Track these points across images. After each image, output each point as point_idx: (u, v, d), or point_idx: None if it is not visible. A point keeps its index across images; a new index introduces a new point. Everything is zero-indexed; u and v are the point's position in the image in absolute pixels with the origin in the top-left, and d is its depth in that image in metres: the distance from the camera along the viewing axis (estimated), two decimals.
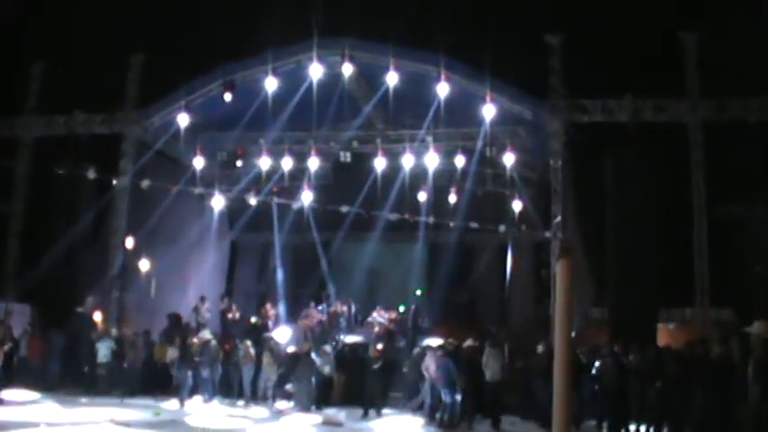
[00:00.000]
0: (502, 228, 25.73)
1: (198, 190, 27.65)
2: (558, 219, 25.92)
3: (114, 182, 27.28)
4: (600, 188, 26.05)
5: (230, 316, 30.14)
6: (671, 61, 26.62)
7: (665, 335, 25.35)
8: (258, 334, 27.85)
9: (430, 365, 21.19)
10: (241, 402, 24.30)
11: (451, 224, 27.06)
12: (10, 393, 23.39)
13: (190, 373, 24.18)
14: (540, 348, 22.02)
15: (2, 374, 23.92)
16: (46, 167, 27.07)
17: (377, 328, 28.94)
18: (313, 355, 23.86)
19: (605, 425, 20.23)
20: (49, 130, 30.51)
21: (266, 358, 24.53)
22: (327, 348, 25.14)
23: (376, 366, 23.09)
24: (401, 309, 30.65)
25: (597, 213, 26.20)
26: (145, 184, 23.20)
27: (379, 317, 29.53)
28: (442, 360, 20.58)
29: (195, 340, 24.98)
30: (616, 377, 19.97)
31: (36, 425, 17.44)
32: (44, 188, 29.06)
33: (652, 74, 26.59)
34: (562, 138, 26.97)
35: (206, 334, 25.79)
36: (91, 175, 23.82)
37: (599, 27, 27.43)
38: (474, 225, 25.07)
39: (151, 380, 25.61)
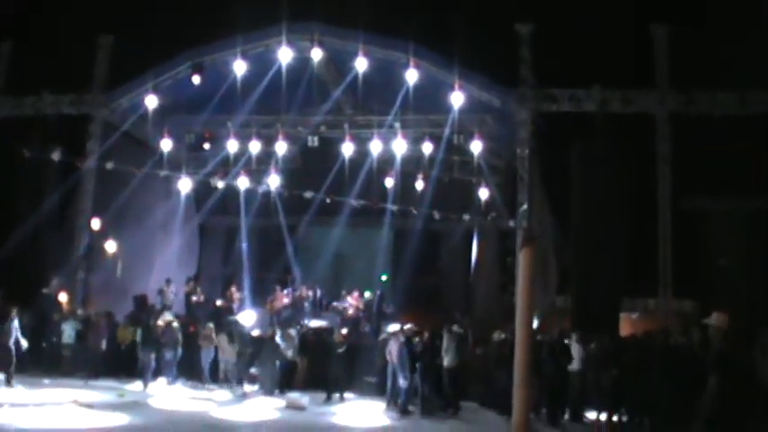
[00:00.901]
0: (467, 216, 25.80)
1: (165, 172, 27.54)
2: (524, 207, 26.07)
3: (81, 164, 27.28)
4: (566, 177, 26.16)
5: (195, 298, 30.21)
6: (641, 53, 26.80)
7: (627, 324, 25.66)
8: (222, 317, 28.02)
9: (393, 350, 21.35)
10: (208, 385, 24.31)
11: (416, 211, 27.04)
12: None
13: (153, 356, 24.07)
14: (497, 335, 22.19)
15: None
16: (12, 148, 26.91)
17: (350, 311, 29.37)
18: (278, 339, 23.96)
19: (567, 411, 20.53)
20: (17, 110, 30.29)
21: (226, 341, 24.60)
22: (292, 332, 25.20)
23: (340, 351, 23.21)
24: (366, 294, 30.66)
25: (563, 202, 26.35)
26: (111, 165, 23.23)
27: (352, 300, 29.85)
28: (403, 346, 20.75)
29: (159, 322, 24.87)
30: (582, 362, 20.36)
31: None
32: (10, 169, 28.84)
33: (621, 65, 26.81)
34: (530, 126, 27.10)
35: (167, 316, 25.78)
36: (57, 156, 23.76)
37: (569, 17, 27.61)
38: (439, 214, 25.20)
39: (115, 362, 25.48)
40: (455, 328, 22.05)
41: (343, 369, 23.16)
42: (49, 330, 25.99)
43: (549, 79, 27.08)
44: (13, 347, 22.01)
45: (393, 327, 23.35)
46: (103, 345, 25.21)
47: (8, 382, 21.54)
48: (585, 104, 26.83)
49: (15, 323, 22.32)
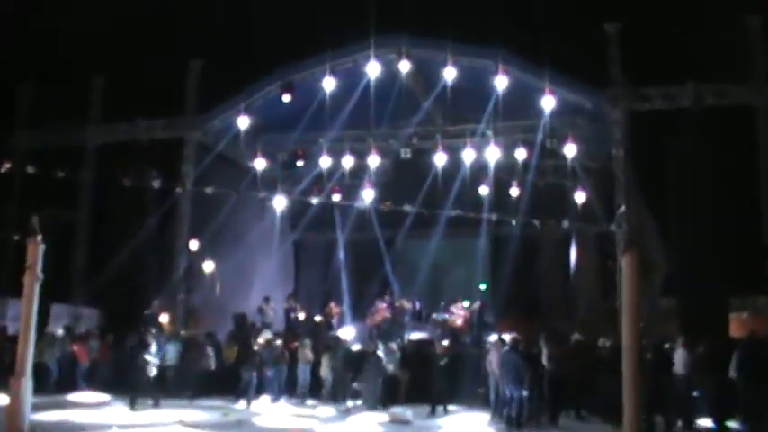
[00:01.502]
0: (566, 223, 25.42)
1: (260, 192, 27.71)
2: (623, 209, 25.51)
3: (177, 189, 27.64)
4: (663, 176, 25.65)
5: (293, 315, 30.27)
6: (734, 45, 26.12)
7: (737, 324, 24.86)
8: (322, 332, 28.06)
9: (493, 360, 21.03)
10: (310, 401, 24.26)
11: (514, 222, 26.73)
12: (80, 396, 23.70)
13: (254, 374, 24.13)
14: (602, 342, 21.77)
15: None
16: (110, 174, 27.29)
17: (459, 322, 29.00)
18: (379, 353, 23.79)
19: (679, 420, 19.96)
20: (112, 137, 30.99)
21: (326, 358, 24.57)
22: (393, 346, 25.04)
23: (442, 363, 22.93)
24: (465, 304, 30.37)
25: (662, 202, 25.83)
26: (208, 189, 23.35)
27: (459, 310, 29.46)
28: (506, 355, 20.32)
29: (260, 340, 24.98)
30: (689, 368, 19.79)
31: (108, 427, 17.57)
32: (109, 195, 29.37)
33: (714, 58, 26.12)
34: (623, 126, 26.66)
35: (268, 333, 25.85)
36: (154, 182, 24.07)
37: (657, 14, 27.10)
38: (536, 221, 24.87)
39: (219, 381, 25.60)
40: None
41: (446, 381, 22.87)
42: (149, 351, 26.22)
43: (641, 78, 26.63)
44: (148, 370, 22.47)
45: (496, 336, 23.02)
46: (211, 364, 25.33)
47: (132, 405, 21.80)
48: (679, 101, 26.26)
49: (152, 347, 22.79)
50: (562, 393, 21.14)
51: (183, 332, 26.93)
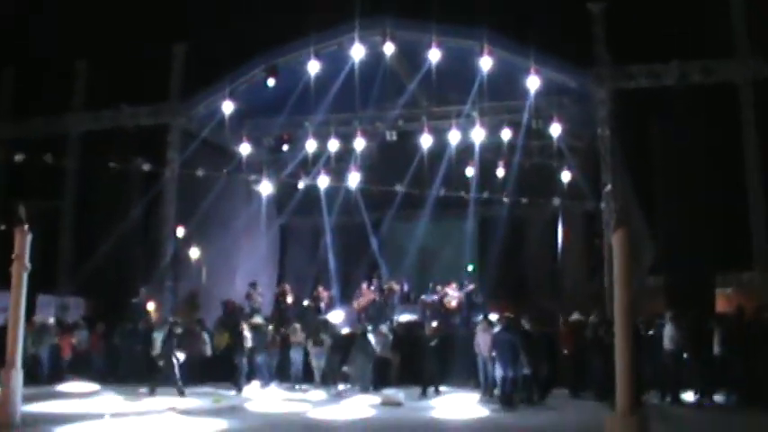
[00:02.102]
0: (556, 201, 25.44)
1: (245, 176, 27.60)
2: (609, 187, 25.52)
3: (163, 173, 27.51)
4: (649, 154, 25.70)
5: (285, 300, 30.33)
6: (717, 23, 26.09)
7: (722, 300, 24.98)
8: (311, 317, 28.08)
9: (480, 342, 21.06)
10: (300, 386, 24.27)
11: (504, 199, 26.71)
12: (70, 386, 23.60)
13: (245, 360, 24.11)
14: (591, 318, 21.82)
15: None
16: (94, 162, 27.15)
17: (453, 303, 29.05)
18: (369, 335, 23.79)
19: (667, 395, 20.09)
20: (96, 124, 30.82)
21: (316, 341, 24.62)
22: (383, 328, 25.04)
23: (432, 344, 22.95)
24: (447, 288, 30.37)
25: (647, 180, 25.84)
26: (196, 172, 23.30)
27: (452, 291, 29.48)
28: (499, 335, 20.30)
29: (247, 326, 24.81)
30: (678, 343, 19.87)
31: (100, 416, 17.47)
32: (93, 182, 29.28)
33: (698, 36, 26.10)
34: (608, 105, 26.55)
35: (257, 319, 25.80)
36: (139, 167, 23.92)
37: None
38: (523, 200, 24.86)
39: (210, 368, 25.55)
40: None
41: (437, 362, 22.88)
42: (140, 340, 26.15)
43: (625, 56, 26.53)
44: (163, 358, 22.76)
45: (493, 316, 23.07)
46: (207, 350, 25.27)
47: (152, 392, 22.10)
48: (664, 79, 26.20)
49: (160, 334, 23.10)
50: (555, 372, 21.29)
51: (171, 319, 26.68)
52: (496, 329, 20.65)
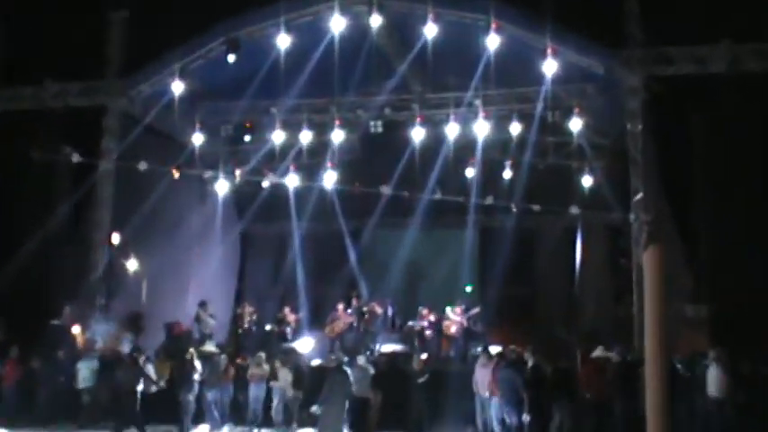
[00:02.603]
0: (574, 210, 25.32)
1: (199, 172, 27.46)
2: (640, 195, 25.36)
3: (97, 165, 27.38)
4: (690, 156, 25.52)
5: (243, 323, 30.26)
6: None
7: None
8: (274, 344, 28.19)
9: (479, 379, 20.94)
10: (259, 430, 24.21)
11: (512, 206, 26.52)
12: None
13: (191, 396, 23.88)
14: (615, 354, 21.62)
15: None
16: (12, 150, 26.83)
17: (453, 330, 29.14)
18: (346, 369, 23.45)
19: None
20: (14, 104, 30.29)
21: (284, 373, 24.30)
22: (362, 361, 24.71)
23: (421, 381, 22.82)
24: (449, 310, 30.24)
25: (687, 186, 25.70)
26: (134, 167, 22.93)
27: (454, 315, 29.35)
28: (503, 372, 20.15)
29: (195, 354, 24.69)
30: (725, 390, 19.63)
31: None
32: (10, 175, 28.91)
33: (753, 13, 25.94)
34: (642, 95, 26.28)
35: (209, 346, 25.59)
36: (68, 157, 23.58)
37: None
38: (534, 209, 24.69)
39: (148, 404, 25.19)
40: None
41: (426, 403, 22.69)
42: (61, 371, 25.82)
43: (664, 36, 26.33)
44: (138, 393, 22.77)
45: (494, 348, 22.97)
46: (150, 386, 24.83)
47: None
48: (710, 64, 25.92)
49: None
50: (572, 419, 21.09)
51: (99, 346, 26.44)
52: (500, 365, 20.48)
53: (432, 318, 29.76)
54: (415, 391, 22.84)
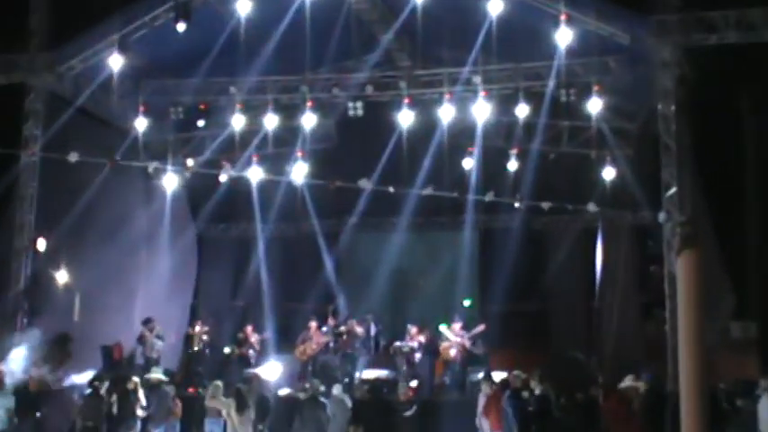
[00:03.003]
0: (592, 208, 25.02)
1: (142, 165, 27.08)
2: (674, 190, 25.01)
3: (23, 156, 27.35)
4: (736, 142, 25.13)
5: (194, 345, 30.11)
6: None
7: None
8: (234, 371, 28.47)
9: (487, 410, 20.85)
10: None
11: (517, 204, 26.26)
12: None
13: None
14: (640, 385, 21.18)
15: None
16: None
17: (453, 352, 28.90)
18: (322, 399, 23.16)
19: None
20: None
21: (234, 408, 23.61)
22: (337, 390, 24.38)
23: (408, 414, 22.37)
24: (443, 328, 29.99)
25: (733, 181, 25.30)
26: (64, 158, 22.40)
27: (452, 335, 29.17)
28: (509, 403, 19.85)
29: (139, 383, 24.29)
30: None
31: None
32: None
33: None
34: (675, 70, 25.93)
35: (156, 373, 25.10)
36: None
37: None
38: (546, 205, 24.33)
39: None
40: None
41: None
42: None
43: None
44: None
45: (499, 375, 22.71)
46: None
47: None
48: (762, 31, 25.32)
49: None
50: None
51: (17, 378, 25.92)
52: (502, 394, 20.22)
53: (422, 338, 29.55)
54: (402, 426, 22.39)
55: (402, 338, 30.14)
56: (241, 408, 23.50)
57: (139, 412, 23.65)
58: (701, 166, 26.45)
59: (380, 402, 24.56)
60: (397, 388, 24.90)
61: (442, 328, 29.27)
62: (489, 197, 24.94)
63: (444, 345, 29.05)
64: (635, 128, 30.54)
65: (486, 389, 22.15)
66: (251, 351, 29.95)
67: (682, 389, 13.12)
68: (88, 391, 23.17)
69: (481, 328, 29.18)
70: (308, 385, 24.95)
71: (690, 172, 26.06)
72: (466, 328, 29.30)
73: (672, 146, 25.75)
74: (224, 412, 23.39)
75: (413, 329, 29.75)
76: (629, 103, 29.86)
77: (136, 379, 24.55)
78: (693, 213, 24.82)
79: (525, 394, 21.07)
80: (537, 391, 20.98)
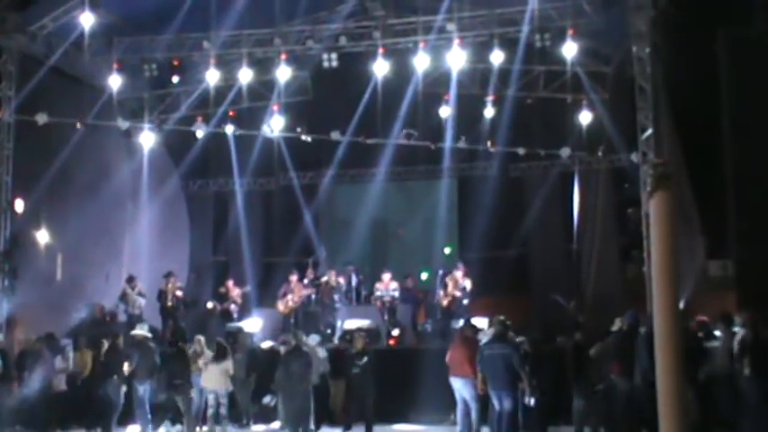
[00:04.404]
0: (565, 151, 25.11)
1: (118, 123, 26.99)
2: (649, 132, 25.22)
3: None
4: (711, 84, 25.27)
5: (167, 302, 29.75)
6: None
7: None
8: (216, 325, 28.72)
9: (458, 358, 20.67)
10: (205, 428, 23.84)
11: (492, 150, 26.37)
12: None
13: (122, 391, 23.41)
14: (618, 324, 21.31)
15: None
16: None
17: (445, 302, 28.51)
18: (305, 349, 23.00)
19: None
20: None
21: (213, 359, 23.75)
22: (314, 340, 24.28)
23: (360, 364, 22.35)
24: (424, 276, 30.06)
25: (707, 122, 25.46)
26: (40, 119, 22.56)
27: (451, 281, 28.70)
28: (487, 350, 19.82)
29: (125, 341, 24.27)
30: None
31: None
32: None
33: None
34: (650, 11, 26.04)
35: (142, 330, 25.12)
36: None
37: None
38: (522, 151, 24.54)
39: (66, 404, 24.92)
40: None
41: (371, 391, 22.32)
42: None
43: None
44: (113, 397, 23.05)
45: (479, 321, 22.67)
46: (55, 383, 24.60)
47: None
48: None
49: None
50: None
51: None
52: (484, 341, 20.16)
53: (402, 285, 29.55)
54: (356, 379, 22.23)
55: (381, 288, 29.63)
56: (219, 359, 23.74)
57: (125, 368, 23.26)
58: (675, 107, 26.65)
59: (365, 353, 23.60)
60: (380, 337, 24.75)
61: (448, 277, 28.87)
62: (466, 145, 25.36)
63: (440, 293, 28.71)
64: (610, 71, 30.11)
65: (462, 336, 21.79)
66: (233, 305, 29.83)
67: (656, 328, 13.43)
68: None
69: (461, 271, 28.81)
70: (290, 337, 24.63)
71: (664, 114, 26.27)
72: (468, 275, 28.89)
73: (647, 88, 26.10)
74: (200, 363, 23.66)
75: (385, 276, 29.43)
76: (604, 47, 29.77)
77: (120, 336, 24.55)
78: (668, 155, 25.07)
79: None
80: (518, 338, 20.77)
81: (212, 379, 23.39)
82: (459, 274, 28.85)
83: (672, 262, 13.47)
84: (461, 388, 20.37)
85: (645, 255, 24.38)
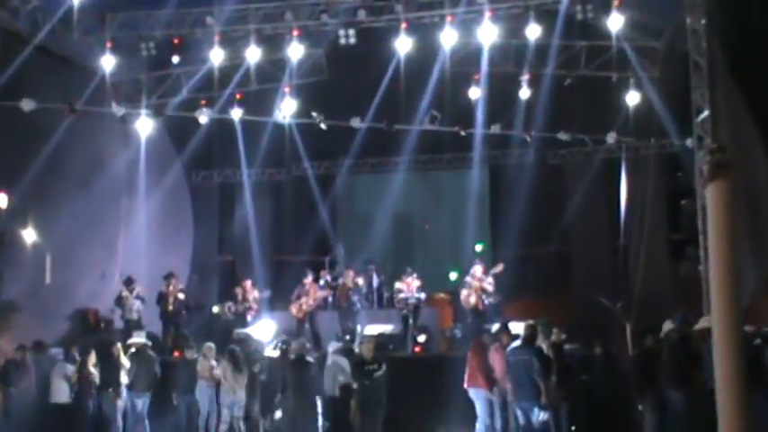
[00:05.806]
0: (610, 136, 24.91)
1: (112, 109, 26.99)
2: (705, 114, 25.01)
3: None
4: None
5: (168, 306, 29.66)
6: None
7: None
8: (225, 332, 28.40)
9: (497, 365, 20.99)
10: None
11: (528, 138, 26.24)
12: None
13: (120, 404, 23.59)
14: (667, 326, 21.17)
15: None
16: None
17: (472, 299, 28.05)
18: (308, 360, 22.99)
19: None
20: None
21: (230, 371, 23.66)
22: (333, 348, 24.25)
23: (376, 376, 21.86)
24: (453, 276, 29.98)
25: None
26: (26, 105, 22.52)
27: (474, 280, 28.28)
28: (513, 356, 19.76)
29: (121, 350, 24.23)
30: None
31: None
32: None
33: None
34: None
35: (140, 337, 25.13)
36: None
37: None
38: (563, 136, 24.38)
39: (55, 419, 24.83)
40: None
41: (384, 401, 22.09)
42: None
43: None
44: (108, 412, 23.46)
45: (516, 326, 22.52)
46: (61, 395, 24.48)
47: None
48: None
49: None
50: None
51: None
52: (512, 346, 20.10)
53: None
54: (368, 389, 22.08)
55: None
56: (237, 369, 23.73)
57: (123, 379, 23.56)
58: (737, 87, 26.40)
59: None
60: (404, 344, 24.67)
61: (467, 277, 28.61)
62: (499, 130, 25.23)
63: (464, 293, 28.30)
64: (661, 45, 30.11)
65: (498, 342, 21.72)
66: (248, 309, 29.76)
67: (714, 335, 13.20)
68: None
69: (500, 267, 28.59)
70: (294, 345, 24.19)
71: (725, 93, 26.06)
72: (486, 272, 28.56)
73: (702, 64, 25.75)
74: (217, 373, 23.70)
75: (408, 278, 29.03)
76: (653, 19, 29.53)
77: (119, 345, 24.49)
78: (726, 140, 24.85)
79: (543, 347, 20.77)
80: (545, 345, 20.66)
81: (231, 392, 23.39)
82: (478, 269, 28.42)
83: (732, 261, 13.24)
84: (475, 400, 20.44)
85: (701, 252, 24.16)
